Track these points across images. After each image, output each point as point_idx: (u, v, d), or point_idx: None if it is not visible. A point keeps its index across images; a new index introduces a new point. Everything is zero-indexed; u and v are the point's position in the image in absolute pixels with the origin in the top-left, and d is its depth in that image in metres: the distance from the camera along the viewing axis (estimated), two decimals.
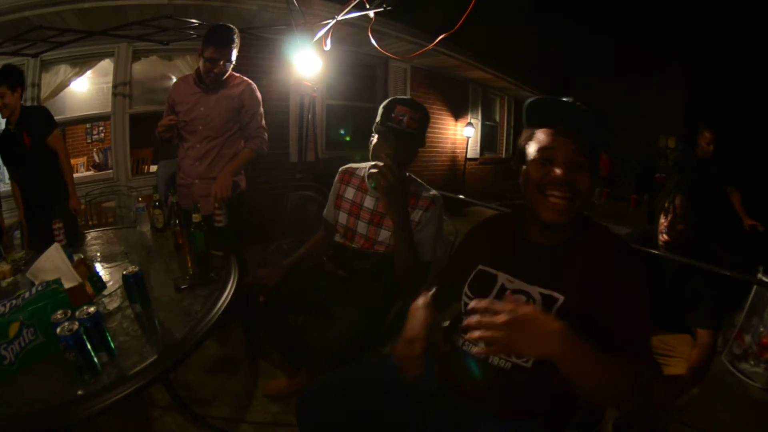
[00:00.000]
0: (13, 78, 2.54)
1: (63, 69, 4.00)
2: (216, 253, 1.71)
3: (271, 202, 3.79)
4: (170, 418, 1.81)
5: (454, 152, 7.68)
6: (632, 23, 12.59)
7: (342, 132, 5.58)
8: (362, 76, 5.80)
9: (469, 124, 7.50)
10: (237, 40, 2.15)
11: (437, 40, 2.19)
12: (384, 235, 1.60)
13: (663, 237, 1.74)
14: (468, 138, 7.63)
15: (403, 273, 1.51)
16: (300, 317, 1.90)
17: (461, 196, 4.14)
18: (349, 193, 1.72)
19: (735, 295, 2.72)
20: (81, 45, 3.75)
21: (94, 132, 6.02)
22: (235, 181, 2.26)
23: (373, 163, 1.61)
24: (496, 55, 7.39)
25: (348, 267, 1.70)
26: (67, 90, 4.40)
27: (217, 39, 2.08)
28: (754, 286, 2.63)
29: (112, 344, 1.05)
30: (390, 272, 1.54)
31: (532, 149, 1.01)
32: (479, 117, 8.25)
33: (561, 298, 0.94)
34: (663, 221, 1.74)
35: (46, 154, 2.67)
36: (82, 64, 4.06)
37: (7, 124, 2.65)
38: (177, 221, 1.78)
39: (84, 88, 5.31)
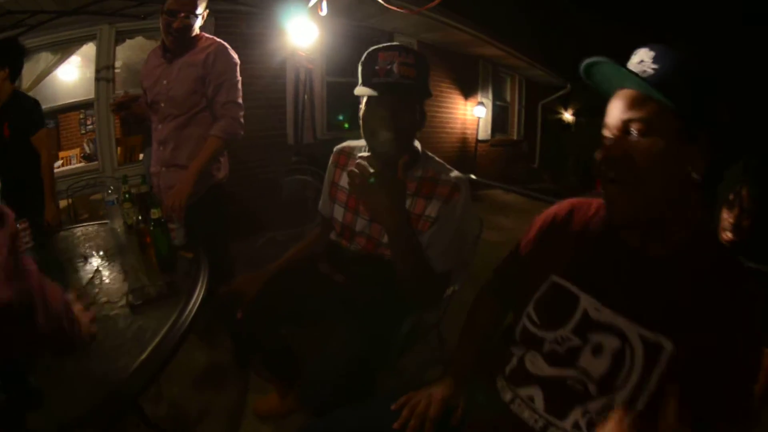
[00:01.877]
0: None
1: (44, 56, 3.76)
2: (186, 255, 1.43)
3: (264, 188, 3.49)
4: None
5: (465, 133, 7.29)
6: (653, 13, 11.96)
7: (340, 116, 5.12)
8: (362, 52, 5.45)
9: (480, 103, 7.10)
10: None
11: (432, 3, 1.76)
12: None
13: (727, 235, 1.44)
14: (479, 118, 7.24)
15: (409, 287, 1.14)
16: (290, 327, 1.60)
17: (472, 176, 3.78)
18: (345, 179, 1.27)
19: None
20: (60, 29, 3.50)
21: (88, 123, 5.74)
22: (206, 172, 1.86)
23: (361, 145, 1.29)
24: (507, 32, 6.95)
25: (347, 271, 1.36)
26: (56, 78, 4.20)
27: None
28: None
29: None
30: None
31: None
32: (490, 96, 7.84)
33: (669, 346, 0.67)
34: (727, 216, 1.44)
35: (26, 152, 2.27)
36: (63, 50, 3.81)
37: None
38: (140, 217, 1.49)
39: (74, 76, 5.00)
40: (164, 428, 1.57)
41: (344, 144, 1.43)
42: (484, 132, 7.73)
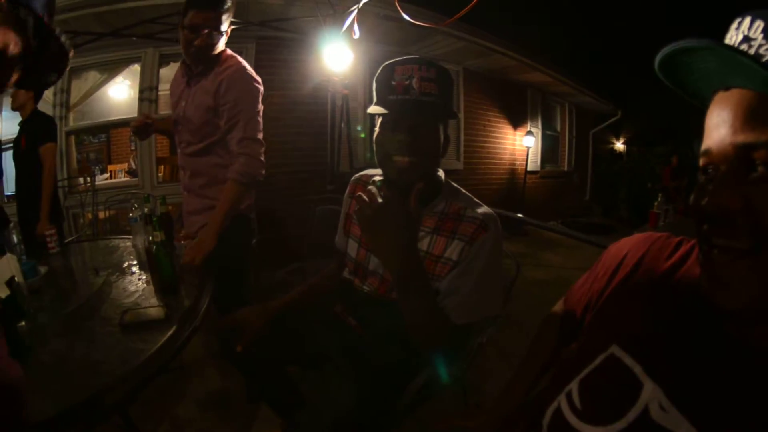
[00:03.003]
0: None
1: (92, 75, 4.02)
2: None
3: (302, 217, 3.46)
4: None
5: (513, 164, 7.03)
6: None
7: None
8: None
9: (529, 132, 6.85)
10: (227, 7, 1.56)
11: (454, 17, 1.60)
12: None
13: None
14: (528, 148, 6.97)
15: (419, 339, 0.94)
16: (294, 367, 1.44)
17: (520, 215, 3.52)
18: None
19: None
20: (108, 51, 3.76)
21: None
22: None
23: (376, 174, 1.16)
24: (555, 58, 6.73)
25: (358, 314, 1.20)
26: (103, 94, 4.45)
27: (199, 1, 1.53)
28: None
29: None
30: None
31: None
32: (539, 125, 7.57)
33: None
34: None
35: (35, 163, 2.55)
36: (110, 69, 4.10)
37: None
38: (150, 237, 1.43)
39: (123, 94, 5.33)
40: None
41: (362, 173, 1.29)
42: (534, 163, 7.44)
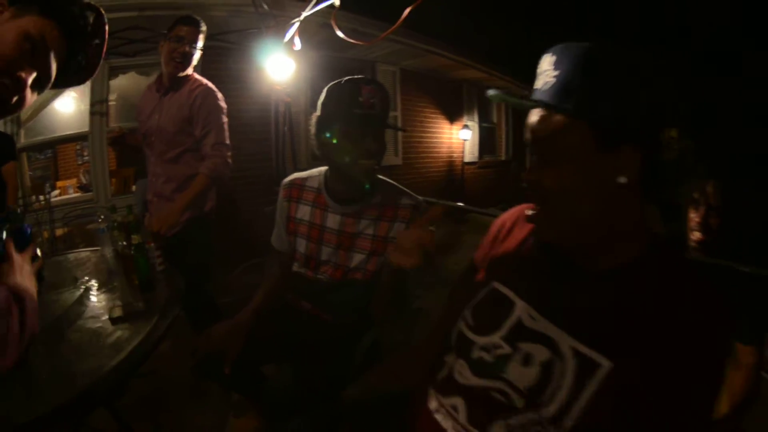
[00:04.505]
0: None
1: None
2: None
3: (250, 219, 3.63)
4: None
5: (451, 157, 7.50)
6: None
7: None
8: None
9: (465, 126, 7.32)
10: (204, 30, 1.95)
11: (398, 23, 1.80)
12: (358, 258, 1.29)
13: (695, 235, 1.42)
14: (465, 141, 7.44)
15: (383, 311, 1.16)
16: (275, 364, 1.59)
17: (460, 203, 3.86)
18: (303, 212, 1.37)
19: None
20: None
21: (84, 154, 5.91)
22: (193, 203, 1.96)
23: (312, 175, 1.38)
24: (488, 53, 7.23)
25: (313, 299, 1.40)
26: (51, 110, 4.34)
27: (186, 18, 1.92)
28: None
29: None
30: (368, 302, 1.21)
31: None
32: (476, 119, 8.07)
33: (606, 364, 0.59)
34: (693, 216, 1.43)
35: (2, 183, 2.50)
36: None
37: None
38: (124, 243, 1.59)
39: (69, 108, 5.18)
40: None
41: (293, 177, 1.44)
42: (471, 154, 7.93)
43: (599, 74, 0.59)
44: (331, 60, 5.00)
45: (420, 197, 1.32)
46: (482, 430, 0.67)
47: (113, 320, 1.23)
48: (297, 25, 2.43)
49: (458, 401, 0.72)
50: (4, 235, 0.91)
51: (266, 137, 4.33)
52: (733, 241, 1.36)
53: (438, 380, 0.78)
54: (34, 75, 0.73)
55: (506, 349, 0.70)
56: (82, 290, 1.51)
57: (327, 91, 1.22)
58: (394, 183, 1.35)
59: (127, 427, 1.66)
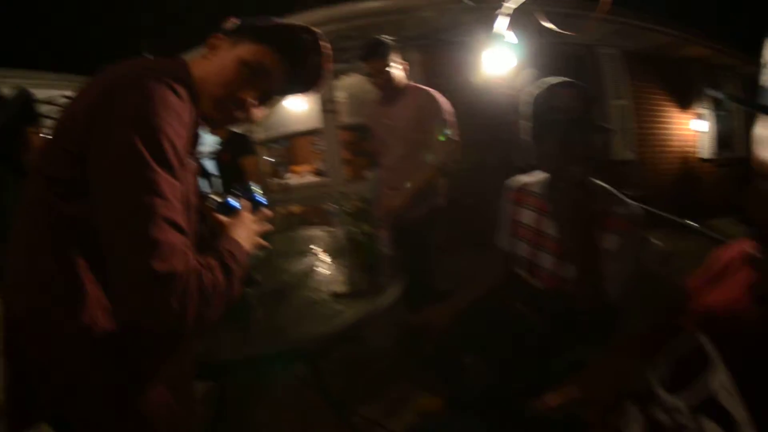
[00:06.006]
0: None
1: None
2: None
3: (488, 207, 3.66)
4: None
5: (684, 151, 6.27)
6: None
7: None
8: (570, 73, 5.19)
9: (700, 115, 5.94)
10: (384, 49, 2.11)
11: None
12: (574, 270, 1.24)
13: None
14: (700, 133, 6.04)
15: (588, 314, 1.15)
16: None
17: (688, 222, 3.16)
18: (527, 217, 1.38)
19: None
20: None
21: (319, 143, 6.86)
22: (428, 196, 2.21)
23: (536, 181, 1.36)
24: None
25: (531, 304, 1.37)
26: (282, 108, 5.08)
27: (365, 53, 2.14)
28: None
29: None
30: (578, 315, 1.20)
31: None
32: (711, 106, 6.48)
33: None
34: None
35: (238, 172, 2.90)
36: None
37: None
38: (354, 228, 1.78)
39: (301, 106, 5.67)
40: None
41: (519, 180, 1.46)
42: (708, 149, 6.45)
43: None
44: (551, 47, 4.61)
45: (635, 203, 1.21)
46: None
47: (336, 295, 1.41)
48: (505, 16, 2.34)
49: None
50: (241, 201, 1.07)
51: (493, 132, 4.31)
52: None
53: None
54: (254, 94, 0.83)
55: (686, 419, 0.61)
56: (310, 263, 1.78)
57: (529, 99, 1.24)
58: (611, 189, 1.27)
59: (324, 385, 1.85)
